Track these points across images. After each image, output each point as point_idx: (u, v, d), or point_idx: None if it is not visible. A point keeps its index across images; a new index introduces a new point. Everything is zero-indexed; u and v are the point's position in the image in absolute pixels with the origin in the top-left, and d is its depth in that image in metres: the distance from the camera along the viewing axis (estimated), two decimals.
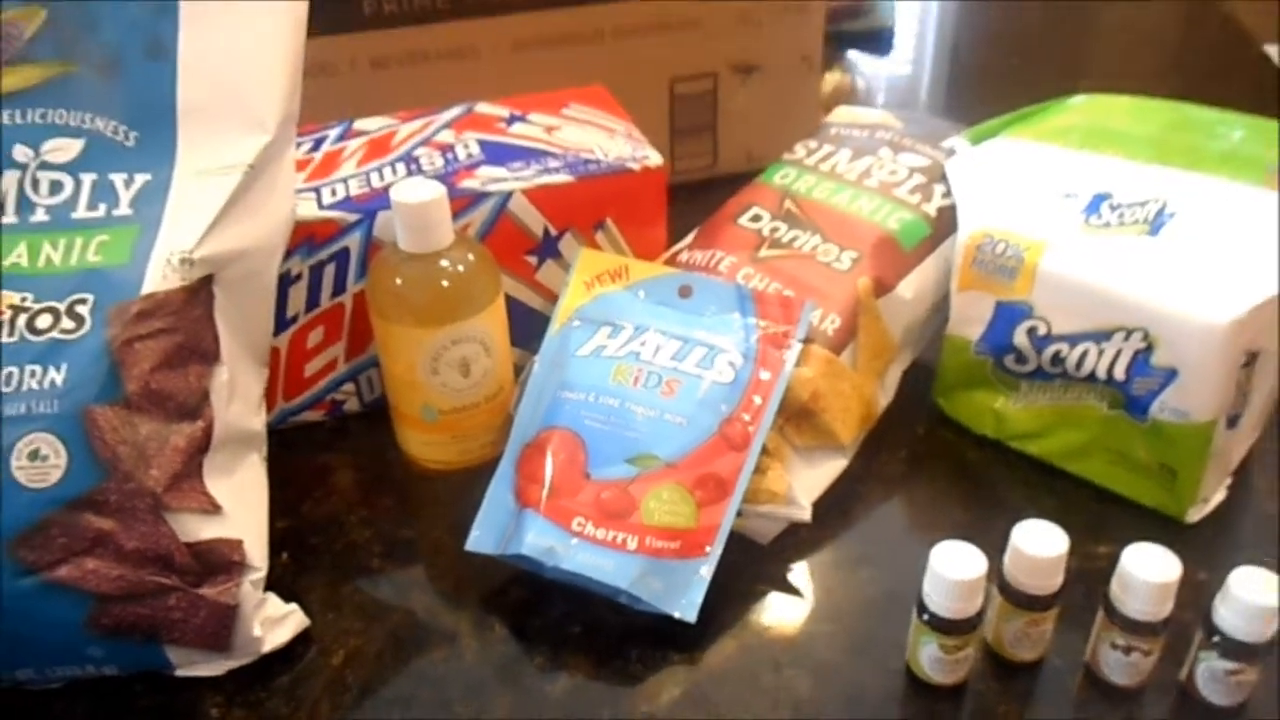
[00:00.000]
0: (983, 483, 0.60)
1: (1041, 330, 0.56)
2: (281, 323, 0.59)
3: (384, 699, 0.49)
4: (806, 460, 0.56)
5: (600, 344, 0.56)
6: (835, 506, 0.57)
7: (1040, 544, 0.46)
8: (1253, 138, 0.56)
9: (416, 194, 0.53)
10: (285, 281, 0.58)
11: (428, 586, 0.55)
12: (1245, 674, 0.45)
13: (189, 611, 0.47)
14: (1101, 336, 0.54)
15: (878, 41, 1.16)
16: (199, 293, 0.49)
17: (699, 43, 0.81)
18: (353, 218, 0.58)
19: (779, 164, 0.68)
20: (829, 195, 0.63)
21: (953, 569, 0.45)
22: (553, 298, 0.62)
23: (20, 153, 0.50)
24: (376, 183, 0.60)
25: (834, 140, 0.69)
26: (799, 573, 0.55)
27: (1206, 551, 0.54)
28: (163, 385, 0.47)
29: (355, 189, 0.60)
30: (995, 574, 0.48)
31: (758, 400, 0.53)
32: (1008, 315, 0.57)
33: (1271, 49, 1.10)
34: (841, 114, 0.73)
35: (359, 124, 0.67)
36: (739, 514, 0.52)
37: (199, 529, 0.47)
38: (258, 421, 0.53)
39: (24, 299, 0.47)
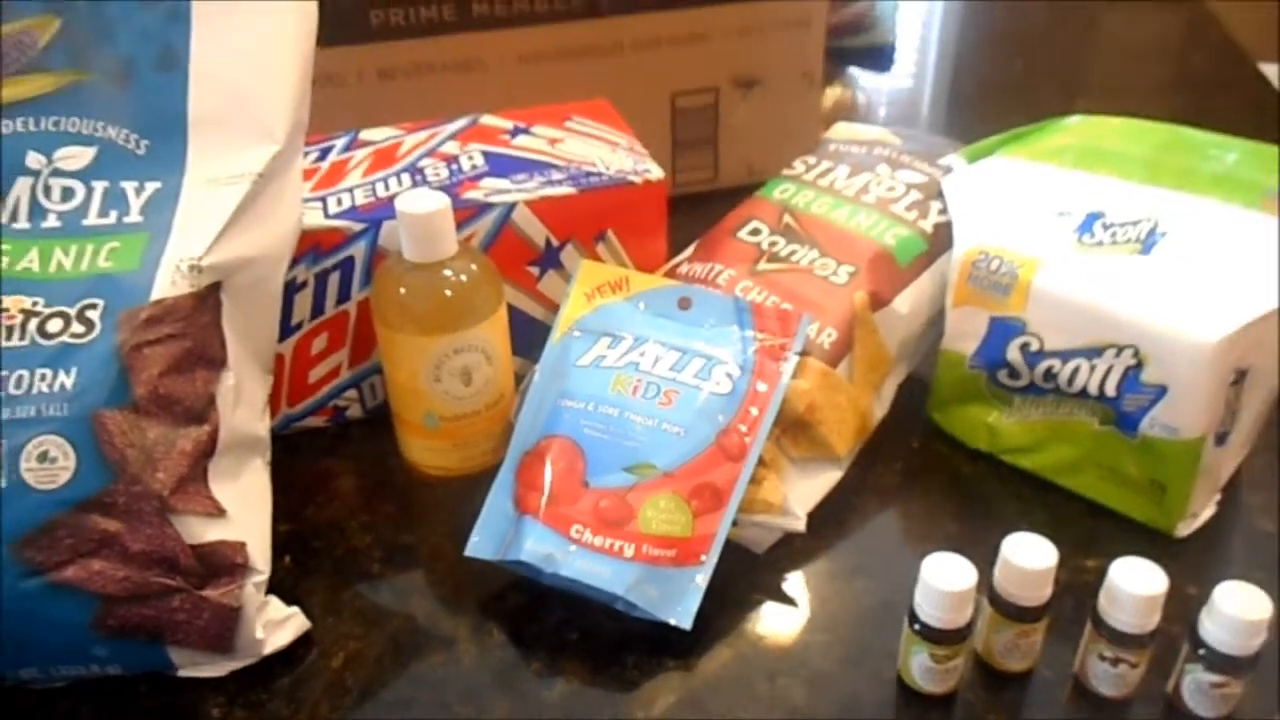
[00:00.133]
0: (976, 496, 0.61)
1: (1035, 346, 0.57)
2: (286, 329, 0.60)
3: (383, 701, 0.50)
4: (802, 471, 0.57)
5: (600, 354, 0.57)
6: (830, 517, 0.58)
7: (1030, 556, 0.47)
8: (1245, 161, 0.57)
9: (422, 204, 0.54)
10: (291, 289, 0.59)
11: (427, 592, 0.55)
12: (1230, 687, 0.46)
13: (192, 613, 0.48)
14: (1093, 353, 0.55)
15: (879, 57, 1.17)
16: (207, 299, 0.50)
17: (701, 57, 0.82)
18: (358, 227, 0.59)
19: (778, 179, 0.69)
20: (827, 210, 0.64)
21: (943, 580, 0.46)
22: (554, 308, 0.63)
23: (33, 160, 0.51)
24: (382, 193, 0.61)
25: (833, 156, 0.70)
26: (793, 582, 0.56)
27: (1195, 566, 0.55)
28: (170, 390, 0.48)
29: (361, 199, 0.61)
30: (986, 585, 0.48)
31: (754, 411, 0.54)
32: (1002, 331, 0.58)
33: (1266, 67, 1.11)
34: (840, 130, 0.74)
35: (365, 134, 0.68)
36: (734, 523, 0.53)
37: (203, 531, 0.48)
38: (262, 426, 0.54)
39: (35, 303, 0.48)
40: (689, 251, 0.65)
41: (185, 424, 0.48)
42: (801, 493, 0.57)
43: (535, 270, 0.64)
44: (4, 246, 0.49)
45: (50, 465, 0.45)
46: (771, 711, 0.49)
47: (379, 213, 0.60)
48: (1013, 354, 0.58)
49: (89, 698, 0.50)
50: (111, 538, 0.46)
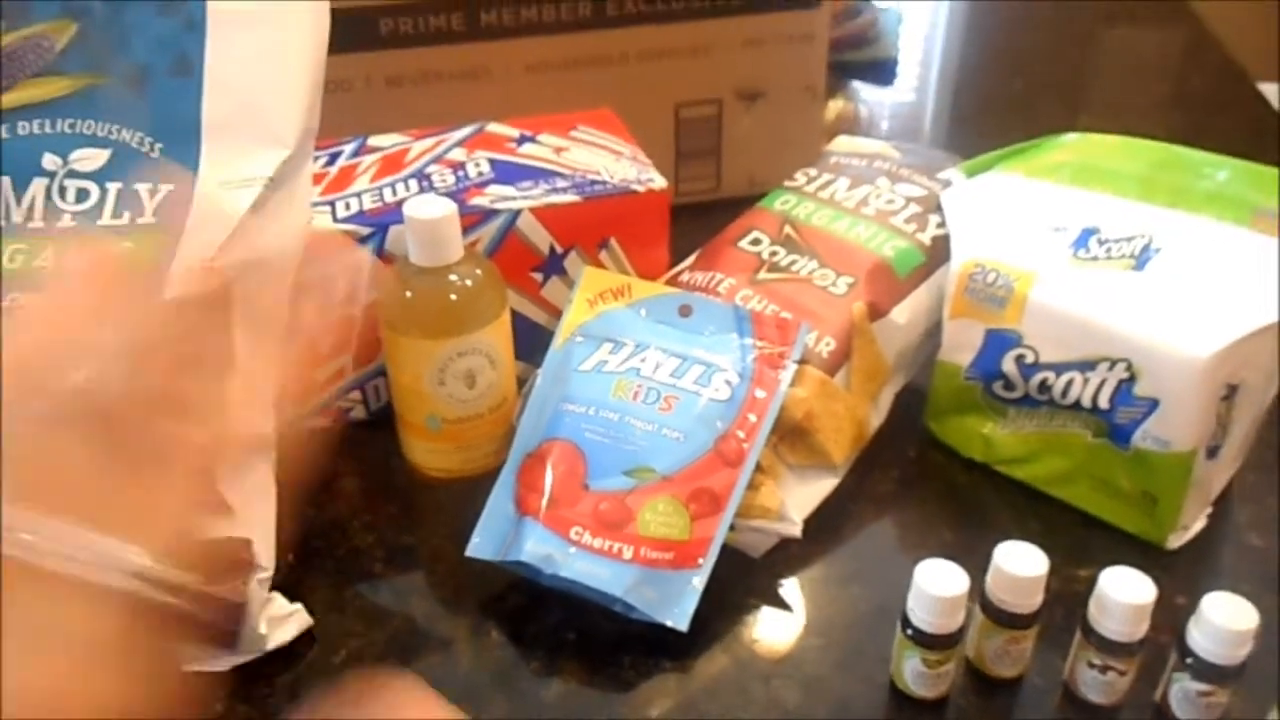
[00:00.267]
0: (970, 505, 0.61)
1: (1029, 358, 0.58)
2: None
3: None
4: (799, 478, 0.58)
5: (602, 359, 0.58)
6: (826, 524, 0.59)
7: (1021, 564, 0.47)
8: (1237, 179, 0.58)
9: (429, 210, 0.55)
10: None
11: (428, 592, 0.56)
12: (1217, 695, 0.46)
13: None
14: (1087, 366, 0.56)
15: (881, 71, 1.18)
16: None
17: (705, 69, 0.83)
18: (365, 231, 0.60)
19: (780, 190, 0.70)
20: (827, 222, 0.65)
21: (936, 585, 0.46)
22: (557, 313, 0.64)
23: (49, 161, 0.52)
24: (389, 198, 0.62)
25: (833, 169, 0.71)
26: (789, 587, 0.56)
27: (1185, 577, 0.56)
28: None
29: (368, 203, 0.62)
30: (979, 593, 0.49)
31: (753, 418, 0.55)
32: (997, 343, 0.59)
33: (1264, 87, 1.12)
34: (841, 143, 0.75)
35: (373, 140, 0.69)
36: (732, 528, 0.53)
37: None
38: (268, 426, 0.55)
39: None
40: (691, 260, 0.66)
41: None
42: (798, 499, 0.57)
43: (539, 276, 0.65)
44: (21, 246, 0.50)
45: None
46: (765, 713, 0.50)
47: (386, 217, 0.61)
48: (1008, 366, 0.59)
49: None
50: None
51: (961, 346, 0.61)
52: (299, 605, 0.52)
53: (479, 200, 0.62)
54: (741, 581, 0.56)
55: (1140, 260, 0.56)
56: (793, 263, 0.63)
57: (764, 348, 0.57)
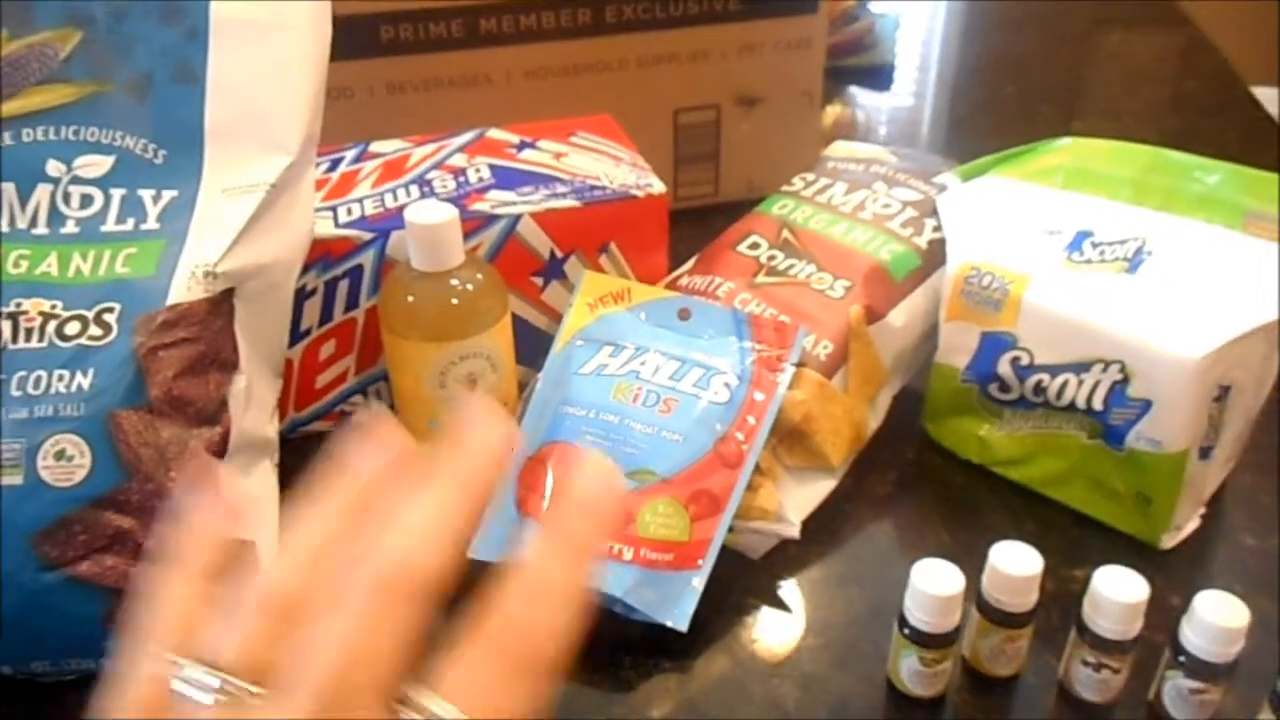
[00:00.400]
0: (967, 506, 0.62)
1: (1025, 360, 0.59)
2: (295, 335, 0.62)
3: None
4: (797, 479, 0.58)
5: (602, 363, 0.58)
6: (824, 525, 0.59)
7: (1016, 564, 0.48)
8: (1227, 183, 0.59)
9: (430, 215, 0.55)
10: (301, 296, 0.61)
11: None
12: (1209, 693, 0.47)
13: None
14: (1081, 368, 0.56)
15: (879, 77, 1.19)
16: (221, 305, 0.51)
17: (703, 75, 0.84)
18: (367, 236, 0.61)
19: (778, 195, 0.70)
20: (825, 226, 0.66)
21: (933, 585, 0.47)
22: (557, 317, 0.64)
23: (53, 167, 0.53)
24: (391, 203, 0.63)
25: (830, 174, 0.71)
26: (788, 588, 0.57)
27: (1178, 577, 0.56)
28: (184, 392, 0.49)
29: (370, 209, 0.62)
30: (975, 593, 0.50)
31: (752, 420, 0.55)
32: (993, 345, 0.60)
33: (1259, 91, 1.13)
34: (839, 148, 0.75)
35: (375, 146, 0.69)
36: (731, 529, 0.54)
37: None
38: (271, 429, 0.56)
39: (54, 306, 0.49)
40: (689, 264, 0.67)
41: (198, 425, 0.50)
42: (797, 500, 0.58)
43: (539, 280, 0.66)
44: (25, 251, 0.51)
45: (67, 463, 0.47)
46: (765, 713, 0.50)
47: (388, 223, 0.61)
48: (1003, 368, 0.59)
49: (97, 690, 0.51)
50: (125, 534, 0.47)
51: (958, 349, 0.62)
52: None
53: (480, 205, 0.63)
54: (741, 582, 0.57)
55: (1133, 263, 0.57)
56: (790, 267, 0.64)
57: (762, 351, 0.58)
